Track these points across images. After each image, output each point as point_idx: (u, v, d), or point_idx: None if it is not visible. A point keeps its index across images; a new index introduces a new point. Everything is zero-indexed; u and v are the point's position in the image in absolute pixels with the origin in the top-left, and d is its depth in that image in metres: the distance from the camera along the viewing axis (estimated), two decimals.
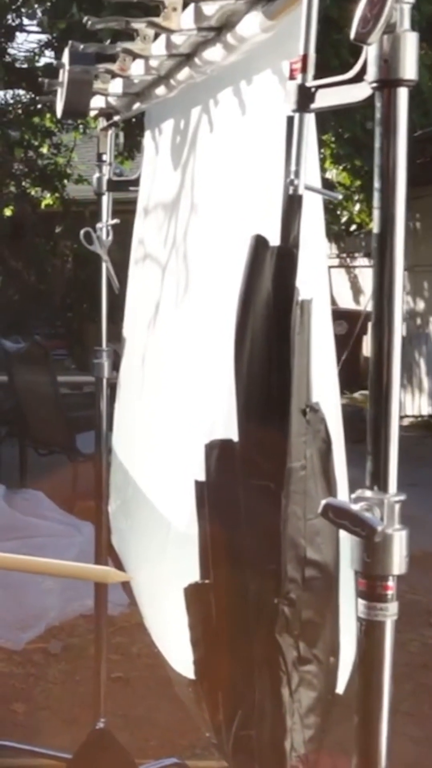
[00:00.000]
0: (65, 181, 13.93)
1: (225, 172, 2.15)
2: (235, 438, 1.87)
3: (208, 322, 2.15)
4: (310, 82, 1.57)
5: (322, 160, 14.25)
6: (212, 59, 2.03)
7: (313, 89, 1.56)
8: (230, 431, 1.89)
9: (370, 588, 1.40)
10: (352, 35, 1.34)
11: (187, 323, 2.42)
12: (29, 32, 12.57)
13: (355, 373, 14.33)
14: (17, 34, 12.03)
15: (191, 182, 2.41)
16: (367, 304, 15.05)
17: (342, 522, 1.39)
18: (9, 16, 11.30)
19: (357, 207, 16.30)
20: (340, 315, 15.03)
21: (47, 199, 13.54)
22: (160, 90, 2.45)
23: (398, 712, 4.52)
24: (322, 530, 1.87)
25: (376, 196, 1.39)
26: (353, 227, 16.65)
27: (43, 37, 11.66)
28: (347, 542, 2.05)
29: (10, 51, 12.14)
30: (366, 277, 16.09)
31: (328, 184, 14.45)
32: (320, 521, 1.84)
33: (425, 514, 8.18)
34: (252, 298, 1.82)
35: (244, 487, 1.86)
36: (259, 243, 1.81)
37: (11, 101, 12.98)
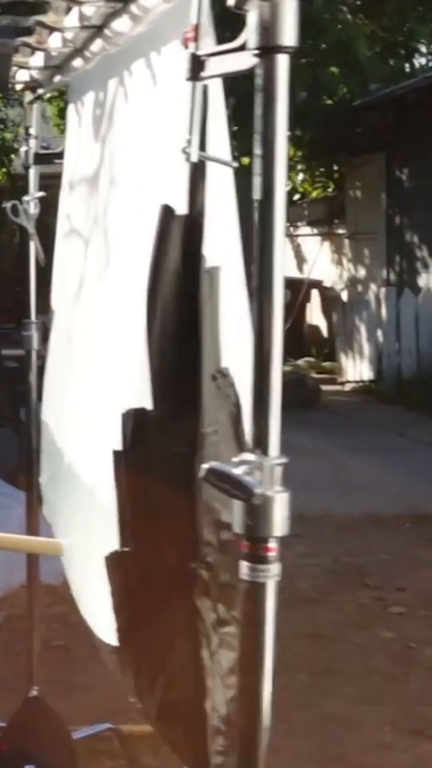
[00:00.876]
0: (12, 156, 13.81)
1: (139, 144, 2.15)
2: (150, 406, 1.87)
3: (126, 294, 2.15)
4: (201, 51, 1.57)
5: None
6: (121, 30, 2.02)
7: (203, 58, 1.56)
8: (145, 400, 1.89)
9: (253, 550, 1.41)
10: (231, 1, 1.34)
11: (108, 295, 2.41)
12: None
13: (300, 340, 14.41)
14: None
15: (110, 155, 2.40)
16: (309, 271, 15.09)
17: (223, 486, 1.39)
18: None
19: (300, 177, 16.30)
20: (284, 283, 15.08)
21: None
22: (78, 62, 2.44)
23: (330, 672, 4.59)
24: None
25: (256, 162, 1.39)
26: (296, 197, 16.65)
27: None
28: None
29: None
30: (309, 245, 16.12)
31: None
32: None
33: (365, 478, 8.28)
34: (161, 267, 1.82)
35: (159, 455, 1.87)
36: (167, 212, 1.81)
37: None
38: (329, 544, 6.55)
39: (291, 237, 16.60)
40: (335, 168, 15.29)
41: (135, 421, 1.92)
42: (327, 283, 15.35)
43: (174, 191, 1.79)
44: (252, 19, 1.35)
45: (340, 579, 5.93)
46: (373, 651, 4.93)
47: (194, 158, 1.61)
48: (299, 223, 16.50)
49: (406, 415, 11.16)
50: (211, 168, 1.77)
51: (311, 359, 14.59)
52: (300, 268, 16.37)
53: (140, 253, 1.92)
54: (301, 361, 14.47)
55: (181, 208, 1.78)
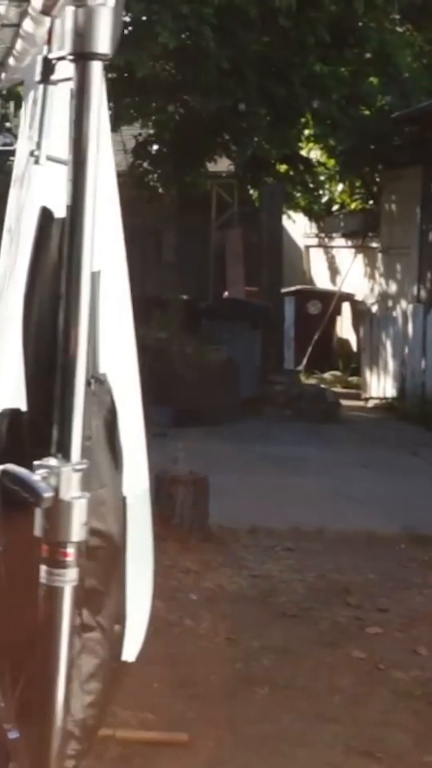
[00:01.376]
0: None
1: (48, 143, 2.17)
2: (24, 408, 1.90)
3: (9, 295, 2.18)
4: (52, 54, 1.59)
5: (306, 139, 14.18)
6: (30, 30, 2.04)
7: (54, 61, 1.58)
8: (21, 401, 1.92)
9: (51, 554, 1.42)
10: (39, 7, 1.36)
11: (3, 298, 2.45)
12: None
13: (327, 353, 14.39)
14: None
15: (26, 155, 2.43)
16: (341, 284, 15.08)
17: (15, 488, 1.41)
18: None
19: (340, 187, 16.27)
20: (315, 295, 15.08)
21: None
22: (11, 60, 2.47)
23: (293, 688, 4.59)
24: (106, 500, 1.90)
25: (69, 168, 1.41)
26: (335, 207, 16.63)
27: None
28: (139, 515, 2.09)
29: None
30: (343, 258, 16.09)
31: (310, 165, 14.42)
32: (106, 492, 1.88)
33: (368, 496, 8.24)
34: (39, 270, 1.85)
35: (31, 457, 1.88)
36: (45, 215, 1.83)
37: None
38: (318, 560, 6.53)
39: (325, 248, 16.58)
40: (375, 179, 15.25)
41: (9, 422, 1.94)
42: (359, 297, 15.31)
43: (54, 194, 1.81)
44: (68, 25, 1.36)
45: (322, 596, 5.92)
46: (340, 670, 4.92)
47: (42, 161, 1.63)
48: (334, 235, 16.48)
49: (425, 434, 11.10)
50: (93, 172, 1.79)
51: (338, 373, 14.57)
52: (333, 280, 16.35)
53: (24, 255, 1.94)
54: (327, 375, 14.45)
55: (60, 211, 1.80)
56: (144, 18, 10.09)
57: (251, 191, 15.33)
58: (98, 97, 1.41)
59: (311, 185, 15.40)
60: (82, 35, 1.37)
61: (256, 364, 11.92)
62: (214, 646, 5.04)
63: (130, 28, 10.19)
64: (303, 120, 13.11)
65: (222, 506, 7.07)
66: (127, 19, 10.28)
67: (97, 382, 1.86)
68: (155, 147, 12.85)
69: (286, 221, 16.09)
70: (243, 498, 7.80)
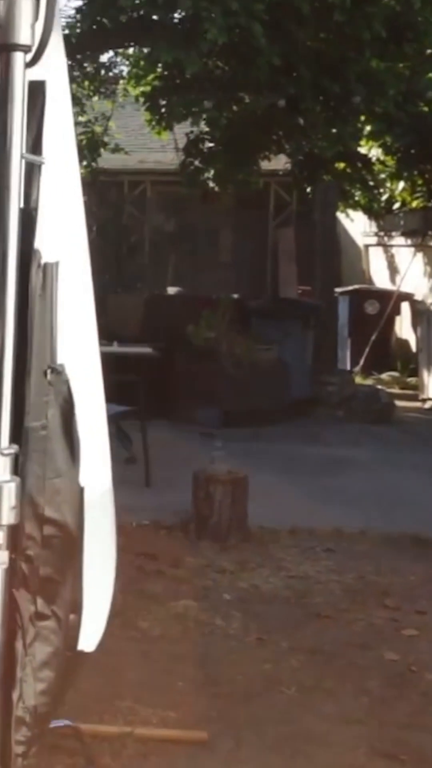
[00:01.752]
0: (101, 150, 14.00)
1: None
2: None
3: None
4: None
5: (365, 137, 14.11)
6: None
7: None
8: None
9: None
10: None
11: None
12: None
13: (385, 353, 14.31)
14: None
15: None
16: (400, 283, 14.99)
17: None
18: None
19: (401, 185, 16.16)
20: (372, 294, 15.01)
21: (81, 169, 13.65)
22: None
23: (319, 689, 4.58)
24: (62, 490, 1.93)
25: None
26: (396, 205, 16.53)
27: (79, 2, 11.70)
28: (103, 511, 2.12)
29: None
30: (403, 256, 16.00)
31: (367, 162, 14.35)
32: (62, 481, 1.91)
33: (415, 498, 8.19)
34: None
35: None
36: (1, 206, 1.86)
37: None
38: (359, 562, 6.50)
39: (384, 247, 16.49)
40: None
41: None
42: (418, 296, 15.21)
43: (12, 186, 1.84)
44: None
45: (359, 597, 5.89)
46: (370, 671, 4.90)
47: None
48: (393, 233, 16.38)
49: None
50: (53, 166, 1.82)
51: (396, 374, 14.48)
52: (392, 279, 16.25)
53: None
54: (384, 375, 14.38)
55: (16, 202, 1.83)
56: (192, 14, 10.11)
57: (308, 189, 15.29)
58: (20, 89, 1.43)
59: (370, 183, 15.31)
60: (2, 26, 1.39)
61: (308, 364, 11.90)
62: (244, 646, 5.04)
63: (178, 24, 10.24)
64: (360, 117, 13.03)
65: (264, 507, 7.08)
66: (176, 15, 10.34)
67: (54, 372, 1.89)
68: (207, 145, 12.88)
69: (344, 220, 16.04)
70: (286, 499, 7.81)
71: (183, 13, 10.27)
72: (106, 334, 10.68)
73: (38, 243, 1.84)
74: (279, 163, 14.68)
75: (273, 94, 11.30)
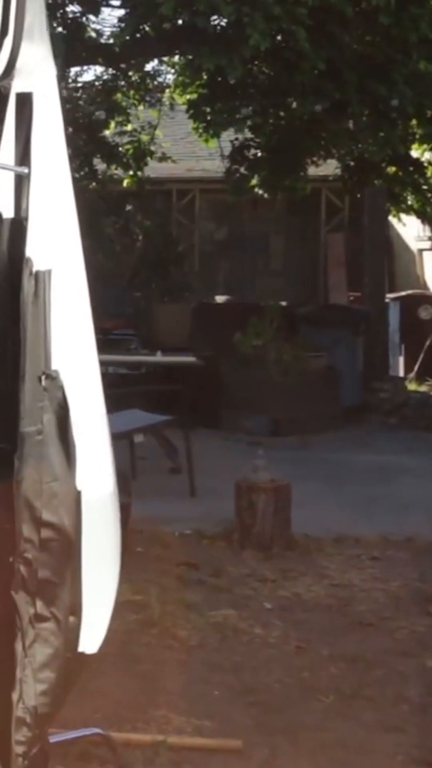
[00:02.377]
0: (148, 159, 14.10)
1: None
2: None
3: None
4: None
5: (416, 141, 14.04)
6: None
7: None
8: None
9: None
10: None
11: None
12: (111, 6, 12.76)
13: None
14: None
15: None
16: None
17: None
18: None
19: None
20: (426, 299, 14.94)
21: (127, 179, 13.75)
22: None
23: (358, 697, 4.60)
24: (59, 494, 1.99)
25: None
26: None
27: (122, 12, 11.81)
28: (104, 516, 2.17)
29: (92, 26, 12.36)
30: None
31: (419, 166, 14.29)
32: (58, 485, 1.97)
33: None
34: None
35: None
36: None
37: (91, 78, 13.22)
38: (404, 569, 6.50)
39: None
40: None
41: None
42: None
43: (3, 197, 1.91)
44: None
45: (402, 605, 5.89)
46: (411, 679, 4.90)
47: None
48: None
49: None
50: (44, 176, 1.89)
51: None
52: None
53: None
54: None
55: (8, 212, 1.90)
56: (234, 20, 10.16)
57: (359, 195, 15.28)
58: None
59: (423, 187, 15.23)
60: None
61: (358, 371, 11.88)
62: (282, 654, 5.08)
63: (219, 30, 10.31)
64: (409, 120, 12.98)
65: (310, 515, 7.11)
66: (216, 21, 10.40)
67: (49, 378, 1.95)
68: (252, 151, 12.93)
69: (397, 224, 15.99)
70: (333, 507, 7.82)
71: (224, 20, 10.33)
72: (152, 343, 10.81)
73: (30, 251, 1.90)
74: (329, 168, 14.68)
75: (318, 98, 11.31)
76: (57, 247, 2.00)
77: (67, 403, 1.96)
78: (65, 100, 12.67)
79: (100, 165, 13.37)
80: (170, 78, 13.71)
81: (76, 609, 2.03)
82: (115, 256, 13.28)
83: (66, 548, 1.99)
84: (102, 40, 12.62)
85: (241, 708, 4.42)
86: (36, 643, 1.97)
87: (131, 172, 13.35)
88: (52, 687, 2.00)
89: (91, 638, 2.10)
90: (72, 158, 12.21)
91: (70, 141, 10.32)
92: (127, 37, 12.30)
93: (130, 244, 13.75)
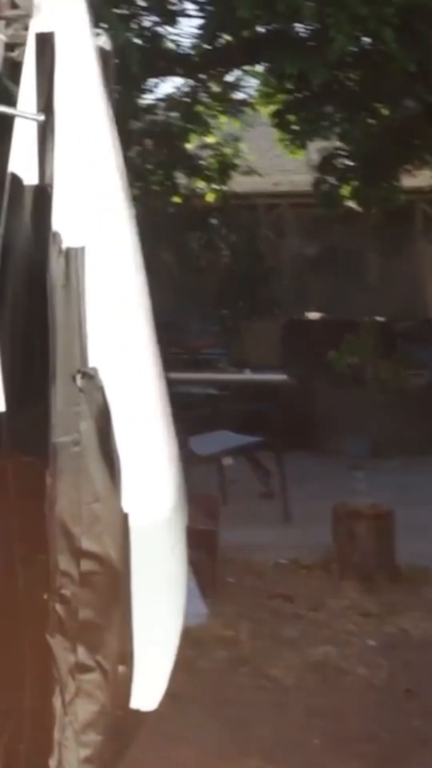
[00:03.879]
0: (231, 172, 13.89)
1: None
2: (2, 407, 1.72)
3: None
4: None
5: None
6: None
7: None
8: None
9: None
10: None
11: None
12: (189, 16, 12.61)
13: None
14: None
15: None
16: None
17: None
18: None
19: None
20: None
21: (210, 193, 13.54)
22: None
23: None
24: (102, 517, 1.70)
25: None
26: None
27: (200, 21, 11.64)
28: (148, 536, 1.87)
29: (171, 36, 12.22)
30: None
31: None
32: (101, 507, 1.68)
33: None
34: (11, 246, 1.67)
35: (11, 464, 1.70)
36: (15, 182, 1.66)
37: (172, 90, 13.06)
38: None
39: None
40: None
41: None
42: None
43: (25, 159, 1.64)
44: None
45: None
46: None
47: None
48: None
49: None
50: (73, 132, 1.61)
51: None
52: None
53: None
54: None
55: (32, 177, 1.63)
56: (317, 23, 9.91)
57: None
58: None
59: None
60: None
61: None
62: (390, 698, 4.70)
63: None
64: None
65: (417, 543, 6.71)
66: (300, 25, 10.15)
67: (85, 377, 1.66)
68: (341, 161, 12.61)
69: None
70: None
71: (307, 22, 10.07)
72: (240, 362, 10.54)
73: (58, 225, 1.62)
74: (425, 178, 14.29)
75: (409, 103, 10.99)
76: (96, 219, 1.71)
77: (108, 407, 1.67)
78: (143, 111, 12.55)
79: (182, 179, 13.18)
80: (253, 89, 13.48)
81: (126, 657, 1.73)
82: (200, 272, 13.05)
83: (112, 583, 1.70)
84: (181, 51, 12.46)
85: (345, 759, 4.07)
86: (78, 698, 1.67)
87: (214, 186, 13.12)
88: (98, 752, 1.69)
89: (147, 692, 1.79)
90: (153, 171, 12.06)
91: (151, 154, 10.12)
92: (206, 46, 12.14)
93: (215, 260, 13.50)
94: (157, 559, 1.89)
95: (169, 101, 12.92)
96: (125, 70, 9.30)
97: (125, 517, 1.73)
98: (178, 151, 12.81)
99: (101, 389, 1.67)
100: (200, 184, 13.62)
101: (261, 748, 4.01)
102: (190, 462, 7.00)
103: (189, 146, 13.45)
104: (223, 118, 13.66)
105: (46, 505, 1.62)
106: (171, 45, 12.44)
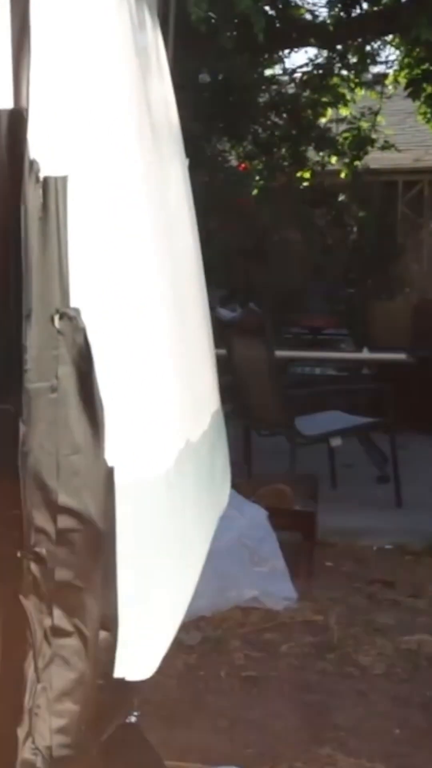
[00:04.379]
0: (368, 148, 13.63)
1: None
2: None
3: None
4: None
5: None
6: None
7: None
8: None
9: None
10: None
11: None
12: None
13: None
14: None
15: None
16: None
17: None
18: None
19: None
20: None
21: (344, 169, 13.30)
22: None
23: None
24: (81, 470, 1.60)
25: None
26: None
27: None
28: (138, 493, 1.76)
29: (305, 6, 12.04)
30: None
31: None
32: (81, 459, 1.59)
33: None
34: None
35: None
36: None
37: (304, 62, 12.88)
38: None
39: None
40: None
41: None
42: None
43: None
44: None
45: None
46: None
47: None
48: None
49: None
50: (58, 45, 1.52)
51: None
52: None
53: None
54: None
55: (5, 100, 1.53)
56: None
57: None
58: None
59: None
60: None
61: None
62: None
63: None
64: None
65: None
66: None
67: (64, 318, 1.56)
68: None
69: None
70: None
71: None
72: (367, 343, 10.32)
73: (36, 152, 1.52)
74: None
75: None
76: (84, 147, 1.61)
77: (90, 352, 1.56)
78: (270, 82, 12.37)
79: (312, 154, 12.96)
80: (392, 59, 13.17)
81: (109, 622, 1.63)
82: (327, 250, 12.83)
83: (92, 542, 1.59)
84: (315, 21, 12.25)
85: (427, 753, 3.90)
86: (53, 664, 1.58)
87: (346, 161, 12.86)
88: (74, 722, 1.59)
89: (136, 661, 1.68)
90: (278, 145, 11.85)
91: (278, 128, 9.90)
92: (342, 14, 11.91)
93: (344, 238, 13.26)
94: (151, 518, 1.78)
95: (300, 73, 12.74)
96: (252, 39, 9.18)
97: (110, 471, 1.63)
98: (308, 125, 12.62)
99: (83, 331, 1.57)
100: (332, 160, 13.40)
101: (336, 737, 3.88)
102: (295, 442, 6.88)
103: (323, 120, 13.24)
104: (360, 91, 13.41)
105: (19, 456, 1.52)
106: (305, 15, 12.25)
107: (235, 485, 5.65)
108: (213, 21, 9.91)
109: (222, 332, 7.57)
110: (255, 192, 12.33)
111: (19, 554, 1.57)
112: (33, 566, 1.57)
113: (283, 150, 12.26)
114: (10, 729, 1.55)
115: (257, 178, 12.44)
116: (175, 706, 4.08)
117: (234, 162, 12.65)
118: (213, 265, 11.58)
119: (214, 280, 11.14)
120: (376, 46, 13.00)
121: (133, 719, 3.31)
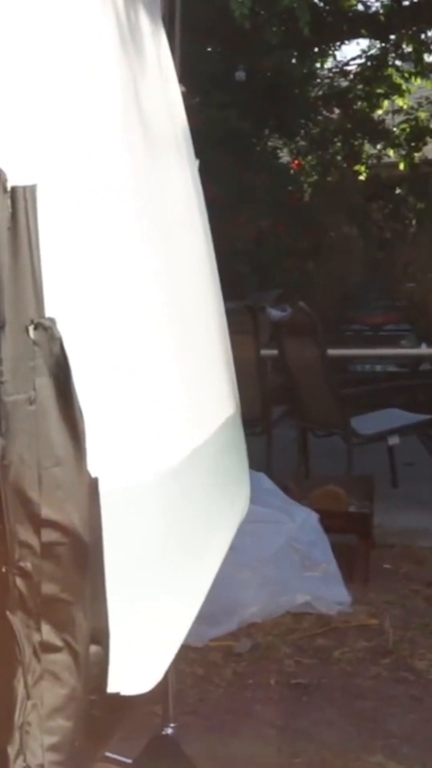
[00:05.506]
0: (427, 138, 13.54)
1: None
2: None
3: None
4: None
5: None
6: None
7: None
8: None
9: None
10: None
11: None
12: None
13: None
14: None
15: None
16: None
17: None
18: None
19: None
20: None
21: (401, 161, 13.22)
22: None
23: None
24: (64, 483, 1.59)
25: None
26: None
27: None
28: (126, 502, 1.75)
29: None
30: None
31: None
32: (62, 471, 1.59)
33: None
34: None
35: None
36: None
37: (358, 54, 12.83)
38: None
39: None
40: None
41: None
42: None
43: None
44: None
45: None
46: None
47: None
48: None
49: None
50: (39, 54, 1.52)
51: None
52: None
53: None
54: None
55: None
56: None
57: None
58: None
59: None
60: None
61: None
62: None
63: None
64: None
65: None
66: None
67: (39, 328, 1.56)
68: None
69: None
70: None
71: None
72: (430, 336, 10.22)
73: (2, 161, 1.52)
74: None
75: None
76: (61, 152, 1.60)
77: (68, 363, 1.56)
78: (320, 75, 12.31)
79: (368, 147, 12.90)
80: None
81: (100, 636, 1.62)
82: (385, 245, 12.75)
83: (78, 555, 1.59)
84: (366, 12, 12.20)
85: None
86: (43, 680, 1.57)
87: (403, 153, 12.78)
88: (67, 739, 1.59)
89: (131, 675, 1.68)
90: (331, 139, 11.77)
91: (331, 122, 9.83)
92: (394, 4, 11.86)
93: (401, 231, 13.16)
94: (142, 528, 1.78)
95: (356, 65, 12.68)
96: (299, 34, 9.14)
97: (93, 481, 1.63)
98: (362, 118, 12.56)
99: (59, 341, 1.56)
100: (390, 152, 13.33)
101: (387, 745, 3.83)
102: (351, 442, 6.84)
103: (379, 112, 13.19)
104: (416, 81, 13.32)
105: (2, 468, 1.53)
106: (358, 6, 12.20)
107: (287, 488, 5.65)
108: (259, 15, 9.90)
109: (273, 333, 7.56)
110: (308, 188, 12.30)
111: (3, 569, 1.56)
112: (19, 581, 1.57)
113: (337, 144, 12.20)
114: (1, 747, 1.55)
115: (312, 174, 12.42)
116: (223, 715, 4.07)
117: (287, 159, 12.63)
118: (266, 265, 11.54)
119: (267, 279, 11.13)
120: (430, 34, 12.91)
121: (169, 731, 3.32)
